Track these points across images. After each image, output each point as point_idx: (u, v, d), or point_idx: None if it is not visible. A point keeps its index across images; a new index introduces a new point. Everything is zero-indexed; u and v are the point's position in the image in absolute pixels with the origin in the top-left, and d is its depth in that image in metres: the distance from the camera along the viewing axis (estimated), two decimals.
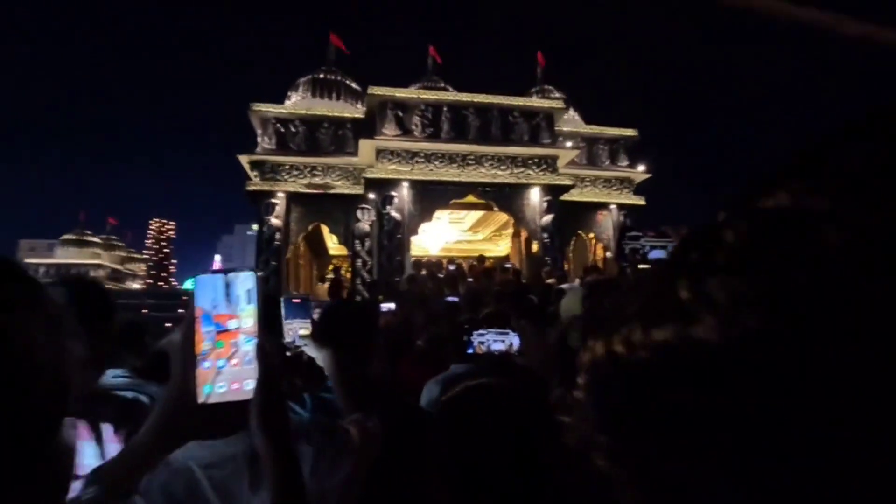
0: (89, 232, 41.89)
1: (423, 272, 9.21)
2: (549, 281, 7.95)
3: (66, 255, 40.61)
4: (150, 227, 40.17)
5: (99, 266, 41.00)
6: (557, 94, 16.32)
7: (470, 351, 1.73)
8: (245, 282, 0.64)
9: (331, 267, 14.19)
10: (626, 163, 15.36)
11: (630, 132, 15.37)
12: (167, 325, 14.97)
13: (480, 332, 1.68)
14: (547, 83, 17.27)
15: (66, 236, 40.88)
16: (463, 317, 2.54)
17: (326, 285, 12.95)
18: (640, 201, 15.16)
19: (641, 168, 15.30)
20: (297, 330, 1.53)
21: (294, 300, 1.67)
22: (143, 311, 14.97)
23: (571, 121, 15.95)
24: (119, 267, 43.43)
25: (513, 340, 1.69)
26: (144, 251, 42.16)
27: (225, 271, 0.64)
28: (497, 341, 1.65)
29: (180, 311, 15.44)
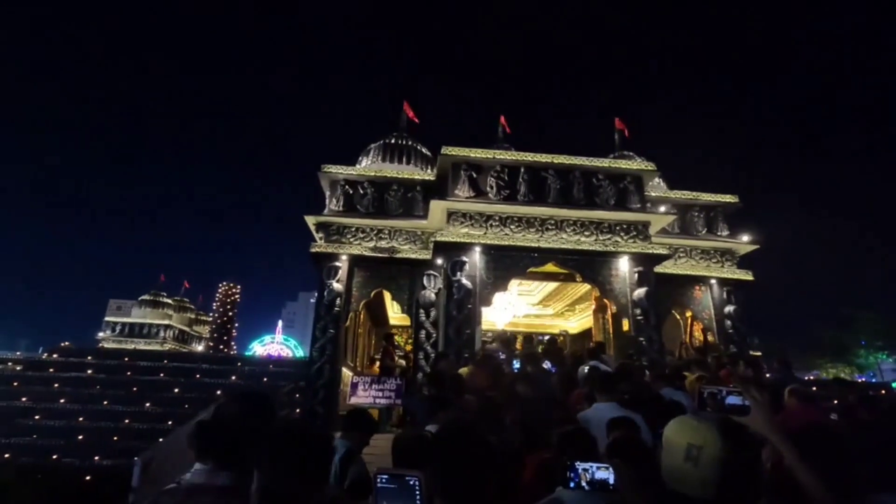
0: (164, 294, 43.91)
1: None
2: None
3: (141, 315, 42.59)
4: (218, 290, 41.49)
5: (168, 327, 42.46)
6: (640, 160, 15.13)
7: (573, 484, 1.60)
8: None
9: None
10: (726, 232, 13.53)
11: (730, 198, 13.66)
12: (218, 392, 14.17)
13: (585, 464, 1.61)
14: (626, 149, 16.20)
15: (143, 297, 43.05)
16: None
17: (376, 365, 11.74)
18: (747, 276, 13.07)
19: (746, 238, 13.38)
20: None
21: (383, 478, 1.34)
22: (197, 376, 14.15)
23: (656, 187, 14.57)
24: (187, 329, 44.72)
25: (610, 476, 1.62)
26: (211, 314, 43.21)
27: None
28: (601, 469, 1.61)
29: (232, 377, 14.64)
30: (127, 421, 13.82)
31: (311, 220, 12.81)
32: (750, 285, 13.15)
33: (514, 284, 13.40)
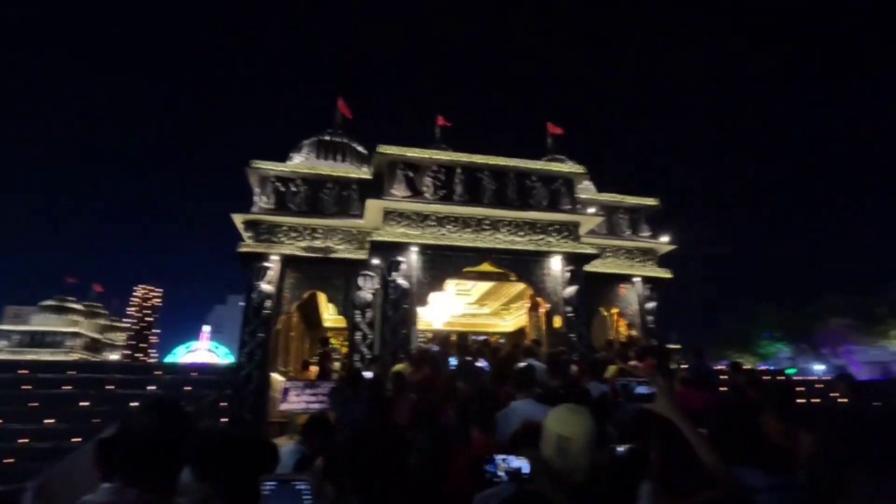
0: (71, 298, 39.92)
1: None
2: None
3: (44, 322, 38.36)
4: (135, 293, 38.01)
5: (77, 334, 38.65)
6: (570, 163, 15.77)
7: (491, 472, 1.63)
8: None
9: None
10: (648, 233, 14.42)
11: (651, 201, 14.59)
12: (132, 404, 13.06)
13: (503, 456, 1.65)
14: (558, 152, 16.81)
15: (45, 302, 38.79)
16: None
17: (310, 369, 11.37)
18: (667, 274, 14.01)
19: (665, 238, 14.33)
20: None
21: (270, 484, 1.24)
22: (109, 387, 13.01)
23: (586, 189, 15.25)
24: (98, 336, 40.95)
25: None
26: (126, 319, 39.79)
27: None
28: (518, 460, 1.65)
29: (150, 387, 13.56)
30: (25, 440, 12.36)
31: (238, 219, 12.16)
32: (669, 283, 14.11)
33: (452, 284, 13.49)
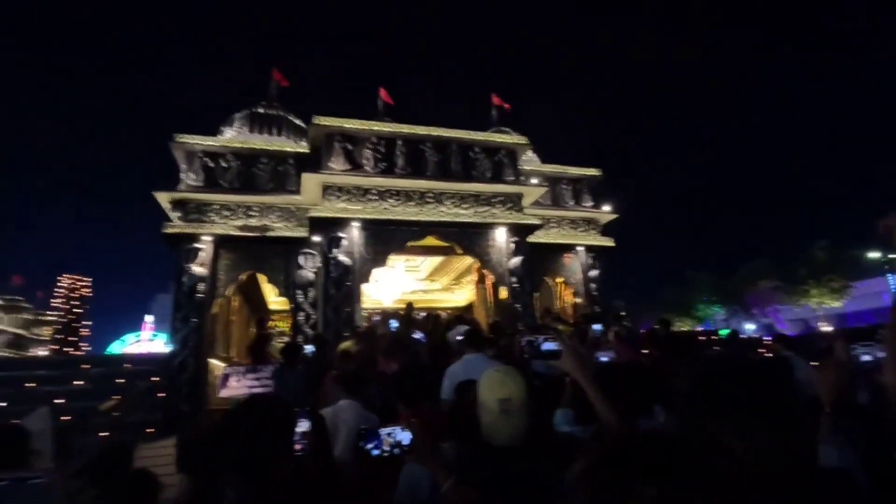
0: None
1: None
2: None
3: None
4: (60, 283, 34.96)
5: None
6: (514, 135, 15.70)
7: (376, 452, 1.50)
8: None
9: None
10: (590, 203, 14.67)
11: (593, 171, 14.80)
12: (56, 400, 12.10)
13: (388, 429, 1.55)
14: (503, 125, 16.69)
15: None
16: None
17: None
18: (609, 242, 14.35)
19: (607, 208, 14.64)
20: None
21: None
22: (30, 384, 11.98)
23: (530, 161, 15.27)
24: (22, 332, 37.94)
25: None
26: (51, 312, 36.79)
27: None
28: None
29: (76, 382, 12.61)
30: None
31: (163, 197, 11.29)
32: (612, 251, 14.48)
33: (401, 260, 13.24)
